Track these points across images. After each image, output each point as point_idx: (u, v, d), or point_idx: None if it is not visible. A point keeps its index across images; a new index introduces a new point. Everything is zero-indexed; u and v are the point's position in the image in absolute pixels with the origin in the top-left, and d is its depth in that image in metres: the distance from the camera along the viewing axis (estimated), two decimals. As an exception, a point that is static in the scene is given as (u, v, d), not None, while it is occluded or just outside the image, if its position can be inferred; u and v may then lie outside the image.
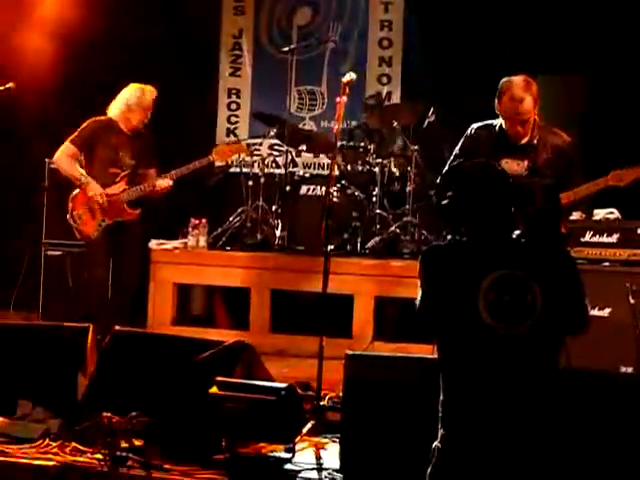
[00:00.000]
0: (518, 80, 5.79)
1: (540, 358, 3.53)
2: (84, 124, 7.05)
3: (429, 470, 3.56)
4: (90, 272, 7.03)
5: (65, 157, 7.01)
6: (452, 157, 6.06)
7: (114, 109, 7.08)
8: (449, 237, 3.83)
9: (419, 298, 3.63)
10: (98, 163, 6.99)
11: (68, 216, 7.01)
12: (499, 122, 5.91)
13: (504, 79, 5.85)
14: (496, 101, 5.84)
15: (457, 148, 6.03)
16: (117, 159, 6.99)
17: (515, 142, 5.84)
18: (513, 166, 5.78)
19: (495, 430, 3.46)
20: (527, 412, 3.48)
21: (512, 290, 3.49)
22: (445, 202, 3.73)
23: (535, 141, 5.85)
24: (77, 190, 6.98)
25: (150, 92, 7.06)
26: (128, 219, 7.04)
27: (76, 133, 7.02)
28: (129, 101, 7.02)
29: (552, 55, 8.76)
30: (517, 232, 3.77)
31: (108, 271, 7.06)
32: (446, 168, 4.02)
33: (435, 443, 3.57)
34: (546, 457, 3.49)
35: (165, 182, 7.03)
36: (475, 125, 6.03)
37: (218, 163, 8.66)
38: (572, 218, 6.93)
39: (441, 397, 3.60)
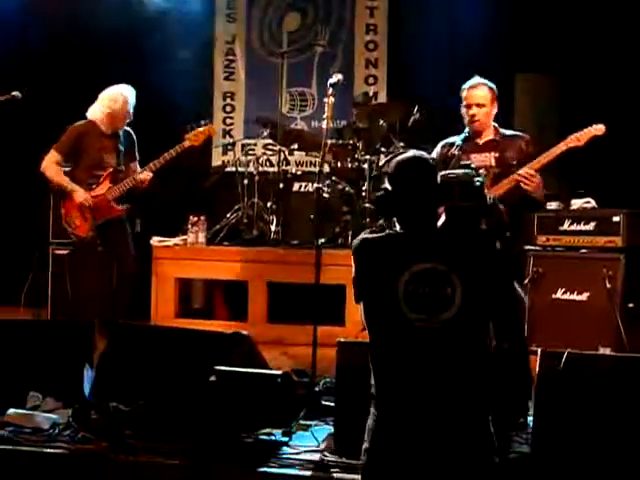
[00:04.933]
0: (477, 77, 6.00)
1: (462, 348, 3.45)
2: (66, 131, 7.00)
3: (364, 446, 3.53)
4: (85, 271, 7.03)
5: (51, 165, 6.96)
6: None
7: (96, 112, 7.00)
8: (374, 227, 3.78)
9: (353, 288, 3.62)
10: (83, 167, 6.96)
11: (62, 221, 7.00)
12: (464, 133, 6.01)
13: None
14: (461, 107, 5.98)
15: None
16: (101, 161, 6.97)
17: (478, 140, 5.92)
18: (481, 158, 5.87)
19: (420, 414, 3.40)
20: (450, 398, 3.41)
21: (431, 283, 3.42)
22: (379, 193, 3.68)
23: (498, 138, 5.92)
24: (66, 196, 6.97)
25: (131, 93, 7.03)
26: (117, 215, 7.04)
27: (60, 140, 6.99)
28: (114, 106, 6.96)
29: (530, 54, 8.75)
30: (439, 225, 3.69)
31: (105, 268, 7.04)
32: (384, 161, 3.96)
33: (368, 421, 3.54)
34: (479, 441, 3.45)
35: (145, 174, 7.02)
36: (440, 142, 6.10)
37: (212, 157, 8.56)
38: (551, 208, 6.97)
39: (372, 378, 3.57)
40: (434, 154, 6.13)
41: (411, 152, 3.74)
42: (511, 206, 5.42)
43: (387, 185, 3.63)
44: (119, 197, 7.02)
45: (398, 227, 3.62)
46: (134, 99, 7.06)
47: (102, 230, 6.98)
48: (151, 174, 7.02)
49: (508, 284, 3.55)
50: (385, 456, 3.45)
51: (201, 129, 7.37)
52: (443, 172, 3.67)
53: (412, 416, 3.41)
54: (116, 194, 6.99)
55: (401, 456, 3.42)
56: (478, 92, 5.95)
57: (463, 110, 6.00)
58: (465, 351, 3.45)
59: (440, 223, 3.62)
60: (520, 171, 5.70)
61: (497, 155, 5.87)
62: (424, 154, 3.74)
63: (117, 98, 6.98)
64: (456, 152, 5.96)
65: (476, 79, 6.00)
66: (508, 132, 6.05)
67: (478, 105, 5.92)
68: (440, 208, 3.65)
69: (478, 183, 3.67)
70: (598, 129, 5.83)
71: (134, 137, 7.22)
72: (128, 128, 7.18)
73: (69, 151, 6.96)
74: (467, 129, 6.03)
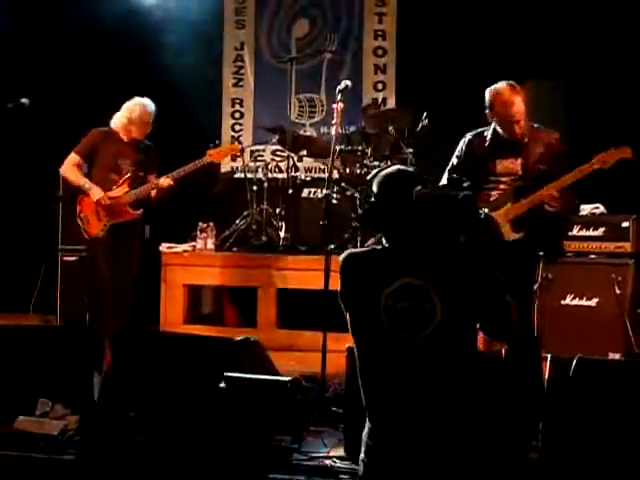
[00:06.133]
0: (504, 86, 5.89)
1: (446, 362, 3.42)
2: (87, 135, 7.16)
3: (361, 456, 3.54)
4: (95, 270, 7.10)
5: (70, 166, 7.16)
6: (450, 164, 6.14)
7: (116, 121, 7.18)
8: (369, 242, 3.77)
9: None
10: (99, 169, 7.11)
11: (77, 217, 7.12)
12: (491, 128, 5.97)
13: (489, 89, 5.94)
14: (487, 111, 5.90)
15: (454, 155, 6.12)
16: (117, 166, 7.09)
17: (507, 142, 5.86)
18: (508, 165, 5.85)
19: (411, 427, 3.38)
20: (438, 411, 3.39)
21: (411, 298, 3.40)
22: (365, 208, 3.66)
23: (526, 139, 5.89)
24: (83, 194, 7.07)
25: (150, 107, 7.15)
26: (130, 219, 7.12)
27: (79, 143, 7.13)
28: (131, 115, 7.13)
29: (540, 60, 8.75)
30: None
31: (112, 269, 7.07)
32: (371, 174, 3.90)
33: (364, 432, 3.54)
34: (470, 449, 3.43)
35: (166, 181, 7.10)
36: (468, 134, 6.11)
37: (221, 163, 8.62)
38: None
39: (361, 393, 3.56)
40: (458, 150, 6.09)
41: (395, 167, 3.72)
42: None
43: (371, 199, 3.61)
44: (135, 202, 7.09)
45: (384, 241, 3.61)
46: (153, 111, 7.14)
47: (114, 232, 7.05)
48: (172, 182, 7.10)
49: (492, 294, 3.49)
50: (380, 468, 3.45)
51: (225, 147, 7.44)
52: (419, 188, 3.61)
53: (403, 429, 3.41)
54: (133, 199, 7.09)
55: (395, 469, 3.41)
56: (518, 108, 5.79)
57: (497, 114, 5.87)
58: (449, 364, 3.43)
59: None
60: (543, 191, 5.69)
61: (523, 161, 5.82)
62: (409, 168, 3.73)
63: (135, 108, 7.15)
64: (485, 151, 5.90)
65: (507, 92, 5.82)
66: (537, 126, 5.97)
67: (518, 122, 5.81)
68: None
69: (460, 197, 3.62)
70: (625, 151, 5.77)
71: (157, 153, 7.30)
72: (150, 143, 7.27)
73: (87, 153, 7.13)
74: (497, 128, 5.93)
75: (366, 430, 3.53)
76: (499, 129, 5.93)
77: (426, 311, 3.39)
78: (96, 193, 7.02)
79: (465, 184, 5.09)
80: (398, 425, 3.42)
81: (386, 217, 3.55)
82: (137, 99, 7.20)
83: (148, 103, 7.18)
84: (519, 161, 5.86)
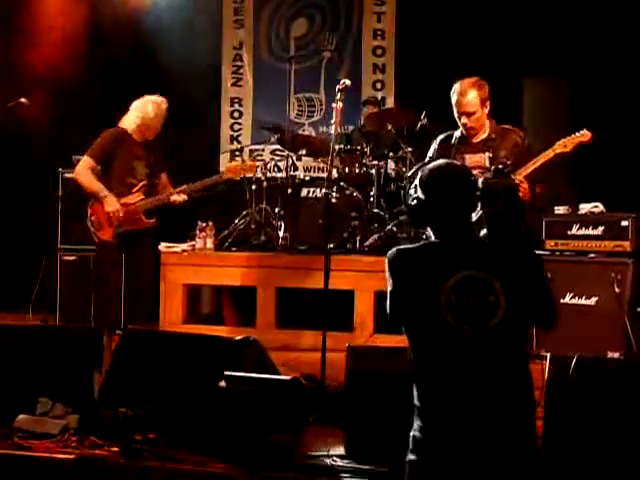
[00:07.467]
0: (464, 79, 6.19)
1: (507, 355, 3.43)
2: (100, 137, 7.04)
3: (408, 457, 3.48)
4: (104, 275, 7.07)
5: (84, 171, 6.99)
6: (421, 163, 6.30)
7: (129, 122, 7.05)
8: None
9: (388, 300, 3.57)
10: (115, 174, 7.00)
11: (87, 220, 7.03)
12: (460, 130, 6.26)
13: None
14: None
15: (428, 154, 6.33)
16: (132, 169, 7.01)
17: (473, 139, 6.21)
18: (475, 158, 6.05)
19: (469, 424, 3.38)
20: (498, 406, 3.39)
21: (474, 291, 3.39)
22: (413, 203, 3.65)
23: (493, 136, 6.17)
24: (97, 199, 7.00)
25: (164, 103, 7.08)
26: (143, 227, 7.07)
27: (93, 146, 7.02)
28: (146, 116, 7.01)
29: (539, 58, 8.76)
30: (483, 233, 3.69)
31: (122, 274, 7.07)
32: (414, 169, 3.98)
33: (412, 432, 3.49)
34: (525, 448, 3.44)
35: (180, 197, 7.10)
36: (440, 135, 6.42)
37: (219, 162, 8.64)
38: (559, 212, 6.98)
39: (415, 390, 3.53)
40: (431, 150, 6.33)
41: (443, 161, 3.74)
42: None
43: (421, 194, 3.61)
44: (149, 210, 7.06)
45: (433, 237, 3.61)
46: (166, 108, 7.10)
47: (128, 239, 7.01)
48: (186, 197, 7.11)
49: (545, 284, 3.55)
50: (436, 467, 3.42)
51: (242, 164, 7.46)
52: (483, 178, 3.68)
53: (461, 426, 3.39)
54: (147, 207, 7.04)
55: (452, 466, 3.40)
56: (468, 100, 6.11)
57: (454, 105, 6.18)
58: (510, 358, 3.44)
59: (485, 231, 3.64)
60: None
61: (491, 155, 6.01)
62: (456, 162, 3.76)
63: (148, 109, 7.04)
64: (453, 150, 6.11)
65: (464, 83, 6.16)
66: (503, 126, 6.20)
67: (469, 114, 6.08)
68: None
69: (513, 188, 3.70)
70: (584, 135, 5.97)
71: (159, 148, 7.25)
72: (155, 140, 7.22)
73: (102, 157, 6.99)
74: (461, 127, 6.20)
75: (417, 430, 3.48)
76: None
77: (490, 303, 3.40)
78: (111, 204, 6.91)
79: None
80: (456, 421, 3.40)
81: (438, 211, 3.56)
82: (148, 98, 7.07)
83: (161, 100, 7.08)
84: (487, 154, 6.04)
